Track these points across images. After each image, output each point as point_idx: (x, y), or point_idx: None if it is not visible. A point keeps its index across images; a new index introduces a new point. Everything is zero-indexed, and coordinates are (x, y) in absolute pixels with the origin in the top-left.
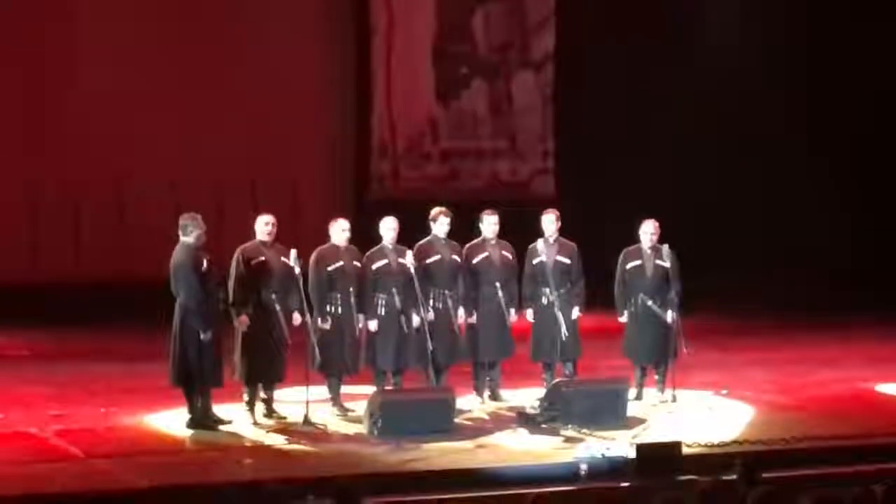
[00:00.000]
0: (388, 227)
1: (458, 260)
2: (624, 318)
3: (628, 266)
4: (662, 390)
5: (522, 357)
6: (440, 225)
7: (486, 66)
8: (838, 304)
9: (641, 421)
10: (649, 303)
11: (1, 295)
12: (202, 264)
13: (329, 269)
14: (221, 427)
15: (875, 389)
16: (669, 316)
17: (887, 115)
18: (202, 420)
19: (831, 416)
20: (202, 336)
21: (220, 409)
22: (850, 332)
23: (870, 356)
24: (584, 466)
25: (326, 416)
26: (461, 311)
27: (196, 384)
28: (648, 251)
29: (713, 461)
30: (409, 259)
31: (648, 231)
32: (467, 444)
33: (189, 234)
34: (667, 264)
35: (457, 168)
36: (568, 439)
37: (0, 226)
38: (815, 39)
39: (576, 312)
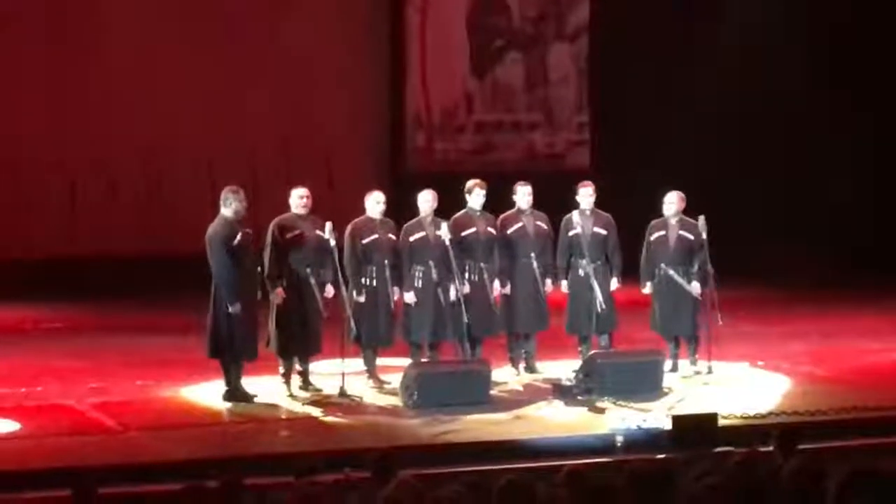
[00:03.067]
0: (426, 200)
1: (494, 232)
2: (647, 290)
3: (653, 237)
4: (695, 362)
5: (558, 329)
6: (476, 197)
7: (521, 38)
8: (872, 274)
9: (677, 392)
10: (671, 272)
11: (37, 269)
12: (235, 237)
13: (364, 241)
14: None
15: None
16: (695, 288)
17: None
18: (239, 392)
19: (868, 387)
20: (230, 309)
21: (255, 382)
22: (886, 302)
23: None
24: (619, 438)
25: (362, 389)
26: (496, 284)
27: (228, 356)
28: (673, 222)
29: (749, 433)
30: (444, 231)
31: (671, 202)
32: (503, 416)
33: (228, 207)
34: (691, 236)
35: (492, 140)
36: (604, 411)
37: (35, 201)
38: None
39: (614, 283)
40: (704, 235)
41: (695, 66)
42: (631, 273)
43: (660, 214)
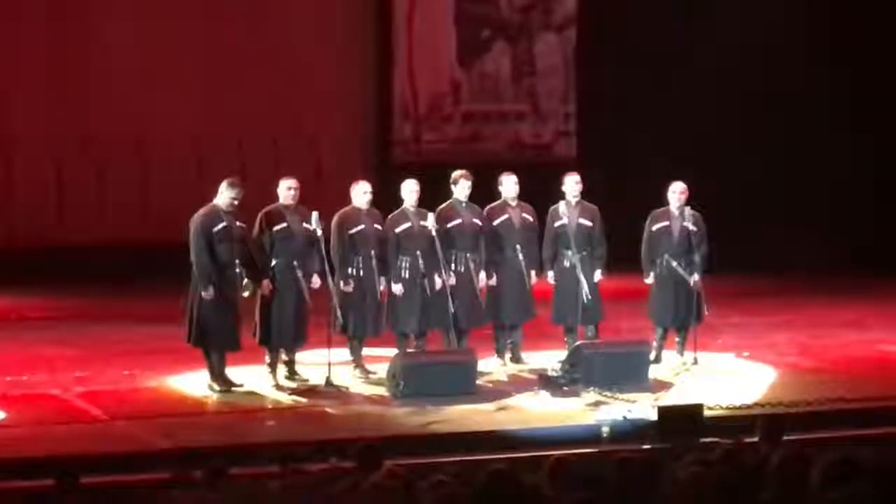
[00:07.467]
0: (410, 190)
1: (480, 223)
2: (650, 280)
3: (655, 227)
4: (682, 353)
5: (544, 319)
6: (461, 188)
7: (509, 28)
8: (860, 265)
9: (663, 383)
10: (674, 264)
11: (24, 257)
12: (215, 225)
13: (350, 231)
14: (234, 389)
15: None
16: (693, 279)
17: None
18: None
19: (853, 379)
20: (203, 294)
21: (241, 372)
22: (872, 294)
23: (892, 318)
24: (605, 429)
25: (348, 379)
26: (482, 275)
27: (206, 343)
28: (676, 213)
29: (735, 423)
30: (430, 222)
31: (675, 192)
32: (489, 407)
33: (219, 196)
34: (694, 227)
35: (479, 130)
36: (589, 402)
37: (24, 187)
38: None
39: (598, 275)
40: (694, 227)
41: (684, 56)
42: (615, 264)
43: (648, 205)
